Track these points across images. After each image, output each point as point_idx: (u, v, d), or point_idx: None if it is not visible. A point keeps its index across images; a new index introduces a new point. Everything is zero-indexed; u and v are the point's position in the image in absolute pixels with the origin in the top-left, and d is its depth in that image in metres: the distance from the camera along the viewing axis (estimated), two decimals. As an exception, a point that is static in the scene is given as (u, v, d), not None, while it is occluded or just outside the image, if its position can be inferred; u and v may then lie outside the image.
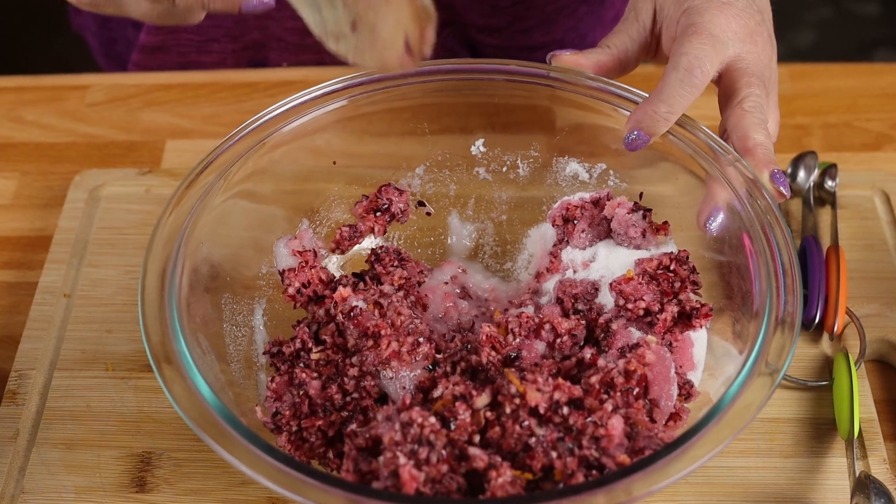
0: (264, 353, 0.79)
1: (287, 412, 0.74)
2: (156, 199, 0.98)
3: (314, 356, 0.76)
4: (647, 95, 0.79)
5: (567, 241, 0.84)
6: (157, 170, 1.01)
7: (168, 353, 0.70)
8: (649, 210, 0.81)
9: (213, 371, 0.72)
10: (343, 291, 0.78)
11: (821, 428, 0.81)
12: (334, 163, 0.86)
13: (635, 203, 0.81)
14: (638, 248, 0.81)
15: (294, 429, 0.74)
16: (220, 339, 0.78)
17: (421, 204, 0.88)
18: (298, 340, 0.77)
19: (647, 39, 0.83)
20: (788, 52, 2.17)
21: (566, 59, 0.83)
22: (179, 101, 1.09)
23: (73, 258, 0.94)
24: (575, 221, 0.83)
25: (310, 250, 0.83)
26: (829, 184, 0.96)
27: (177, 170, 1.01)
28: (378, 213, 0.84)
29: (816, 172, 0.96)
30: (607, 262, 0.81)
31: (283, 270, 0.82)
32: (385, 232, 0.86)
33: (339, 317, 0.77)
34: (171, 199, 0.78)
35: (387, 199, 0.84)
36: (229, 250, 0.81)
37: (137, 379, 0.85)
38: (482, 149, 0.88)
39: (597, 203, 0.84)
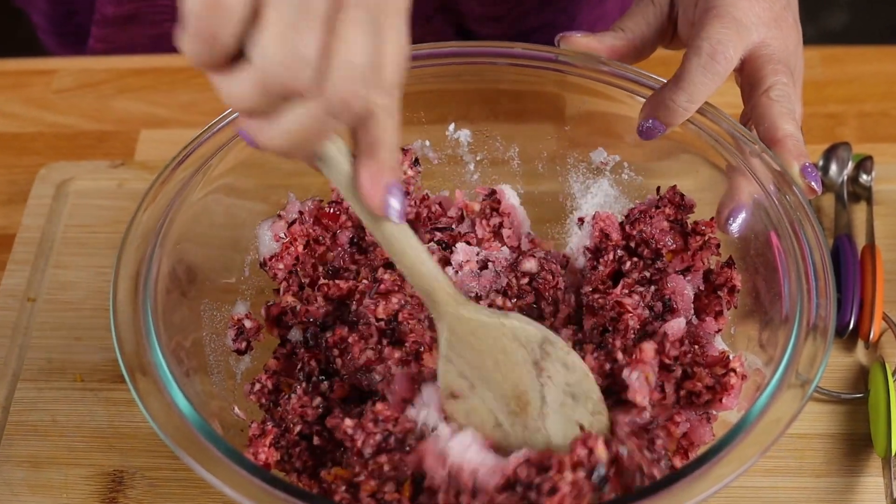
0: (253, 397, 0.78)
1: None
2: (129, 195, 0.98)
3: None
4: (666, 81, 0.79)
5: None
6: (130, 162, 1.01)
7: (143, 364, 0.70)
8: (687, 210, 0.81)
9: (191, 383, 0.72)
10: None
11: (855, 444, 0.81)
12: (324, 155, 0.86)
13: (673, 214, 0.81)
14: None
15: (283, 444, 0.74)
16: (199, 347, 0.78)
17: (417, 163, 0.87)
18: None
19: (663, 23, 0.83)
20: (820, 34, 2.17)
21: (577, 41, 0.83)
22: (155, 88, 1.09)
23: (38, 259, 0.94)
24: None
25: (294, 219, 0.82)
26: (863, 178, 0.96)
27: (152, 162, 1.01)
28: None
29: (850, 165, 0.96)
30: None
31: (265, 260, 0.82)
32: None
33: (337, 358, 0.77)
34: (146, 194, 0.77)
35: None
36: (209, 251, 0.81)
37: (109, 391, 0.85)
38: (469, 139, 0.88)
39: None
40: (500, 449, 0.70)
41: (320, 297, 0.79)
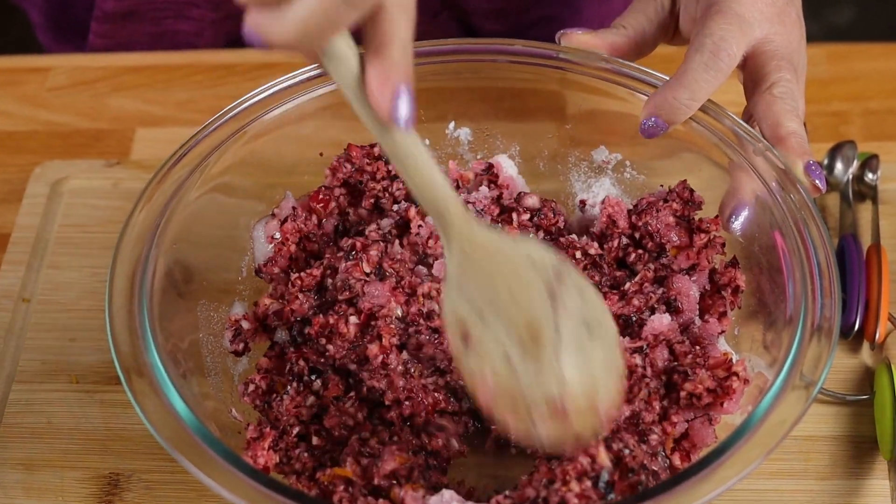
0: (248, 400, 0.79)
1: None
2: (125, 194, 0.98)
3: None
4: (668, 79, 0.79)
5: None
6: (125, 161, 1.01)
7: (139, 365, 0.70)
8: (695, 207, 0.81)
9: (188, 385, 0.72)
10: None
11: (861, 447, 0.81)
12: (321, 154, 0.86)
13: (679, 211, 0.81)
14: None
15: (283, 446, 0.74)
16: (196, 349, 0.78)
17: None
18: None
19: (665, 20, 0.83)
20: (825, 30, 2.17)
21: (577, 38, 0.83)
22: (150, 86, 1.09)
23: (32, 259, 0.94)
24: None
25: (287, 216, 0.82)
26: (869, 176, 0.96)
27: (148, 161, 1.01)
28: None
29: (856, 164, 0.96)
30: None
31: (259, 267, 0.82)
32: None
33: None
34: (142, 194, 0.78)
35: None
36: (206, 251, 0.81)
37: (104, 392, 0.85)
38: (469, 138, 0.89)
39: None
40: (508, 392, 0.66)
41: (300, 294, 0.79)
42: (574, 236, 0.81)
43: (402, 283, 0.77)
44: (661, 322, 0.75)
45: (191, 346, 0.77)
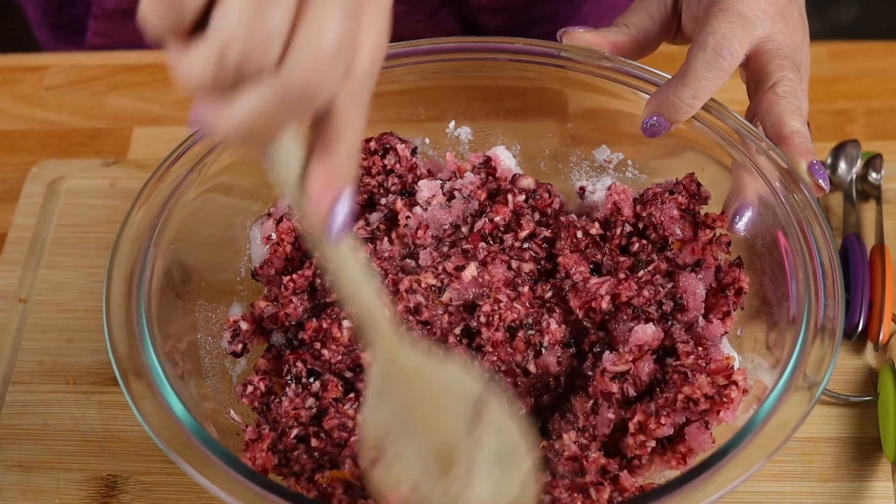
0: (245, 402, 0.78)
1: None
2: (122, 194, 0.98)
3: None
4: (670, 77, 0.79)
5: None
6: (123, 161, 1.01)
7: (136, 366, 0.70)
8: (700, 201, 0.81)
9: (186, 386, 0.72)
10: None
11: (864, 448, 0.81)
12: (321, 153, 0.86)
13: (685, 204, 0.81)
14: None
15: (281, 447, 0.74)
16: (194, 349, 0.78)
17: (415, 153, 0.87)
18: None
19: (668, 18, 0.83)
20: (828, 29, 2.17)
21: (579, 36, 0.83)
22: (149, 84, 1.09)
23: (29, 259, 0.94)
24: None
25: (282, 215, 0.82)
26: (873, 176, 0.96)
27: (146, 161, 1.01)
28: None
29: (859, 163, 0.96)
30: None
31: (256, 270, 0.82)
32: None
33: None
34: (140, 193, 0.78)
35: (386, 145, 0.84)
36: (204, 251, 0.81)
37: (102, 394, 0.85)
38: (470, 137, 0.89)
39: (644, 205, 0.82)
40: None
41: (293, 297, 0.79)
42: (574, 216, 0.82)
43: (387, 281, 0.77)
44: (644, 332, 0.75)
45: (189, 347, 0.77)
